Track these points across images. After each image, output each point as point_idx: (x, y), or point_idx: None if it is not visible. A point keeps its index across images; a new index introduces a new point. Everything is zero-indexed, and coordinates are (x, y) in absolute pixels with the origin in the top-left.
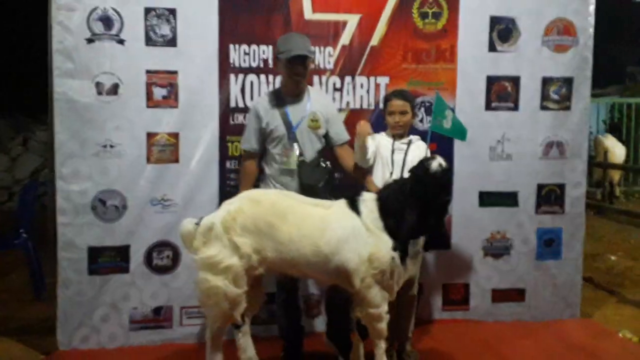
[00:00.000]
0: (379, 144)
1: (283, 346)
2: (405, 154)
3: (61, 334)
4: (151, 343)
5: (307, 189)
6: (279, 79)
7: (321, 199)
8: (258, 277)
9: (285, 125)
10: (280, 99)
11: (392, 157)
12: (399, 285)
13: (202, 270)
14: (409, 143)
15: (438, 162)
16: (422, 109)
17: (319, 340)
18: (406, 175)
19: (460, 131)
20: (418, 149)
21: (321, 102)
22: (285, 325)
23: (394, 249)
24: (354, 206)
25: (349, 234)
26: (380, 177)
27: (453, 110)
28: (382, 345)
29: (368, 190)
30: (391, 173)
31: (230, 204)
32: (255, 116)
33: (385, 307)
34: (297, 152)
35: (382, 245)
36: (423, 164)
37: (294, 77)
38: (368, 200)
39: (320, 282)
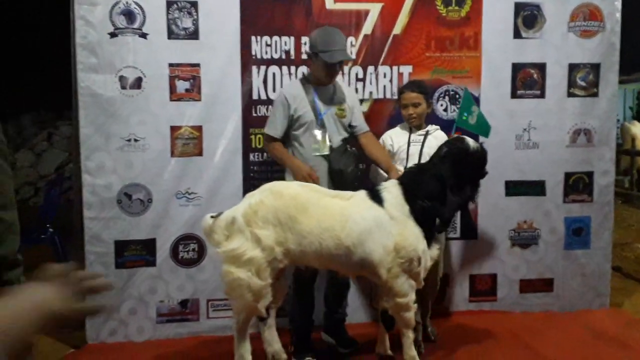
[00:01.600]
0: (392, 141)
1: (292, 338)
2: (422, 145)
3: (89, 327)
4: (178, 336)
5: (337, 174)
6: (300, 70)
7: (350, 183)
8: (282, 269)
9: (314, 112)
10: (308, 86)
11: (408, 150)
12: (426, 271)
13: (226, 263)
14: (426, 134)
15: (472, 140)
16: (447, 98)
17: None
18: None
19: (484, 128)
20: (435, 140)
21: (347, 93)
22: (299, 317)
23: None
24: (375, 196)
25: (372, 225)
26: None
27: (478, 105)
28: (410, 334)
29: (380, 167)
30: (405, 166)
31: (252, 197)
32: (283, 102)
33: (413, 296)
34: (328, 139)
35: (408, 233)
36: (457, 145)
37: (331, 77)
38: (390, 187)
39: (345, 274)
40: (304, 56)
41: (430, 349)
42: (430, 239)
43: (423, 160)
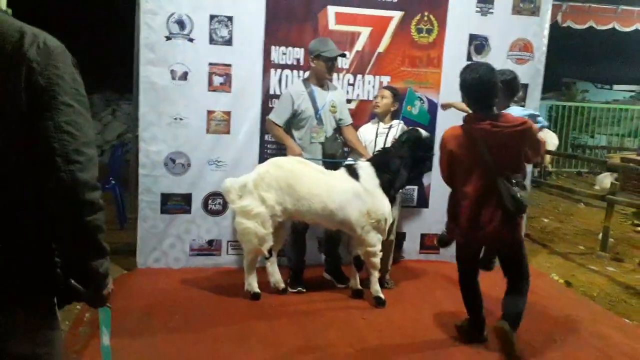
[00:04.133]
0: (362, 133)
1: (289, 273)
2: (386, 136)
3: (139, 256)
4: (205, 266)
5: (329, 156)
6: (307, 73)
7: (335, 163)
8: (281, 222)
9: (314, 108)
10: (309, 87)
11: (376, 140)
12: (388, 226)
13: (238, 216)
14: (390, 127)
15: (424, 131)
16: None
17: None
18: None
19: (424, 117)
20: (397, 130)
21: (337, 93)
22: (294, 258)
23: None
24: (353, 172)
25: (350, 195)
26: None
27: (422, 100)
28: (376, 274)
29: (359, 156)
30: (373, 152)
31: (260, 167)
32: (289, 100)
33: (379, 246)
34: (324, 130)
35: (378, 201)
36: (413, 134)
37: (331, 71)
38: (365, 167)
39: (329, 228)
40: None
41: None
42: (392, 203)
43: None
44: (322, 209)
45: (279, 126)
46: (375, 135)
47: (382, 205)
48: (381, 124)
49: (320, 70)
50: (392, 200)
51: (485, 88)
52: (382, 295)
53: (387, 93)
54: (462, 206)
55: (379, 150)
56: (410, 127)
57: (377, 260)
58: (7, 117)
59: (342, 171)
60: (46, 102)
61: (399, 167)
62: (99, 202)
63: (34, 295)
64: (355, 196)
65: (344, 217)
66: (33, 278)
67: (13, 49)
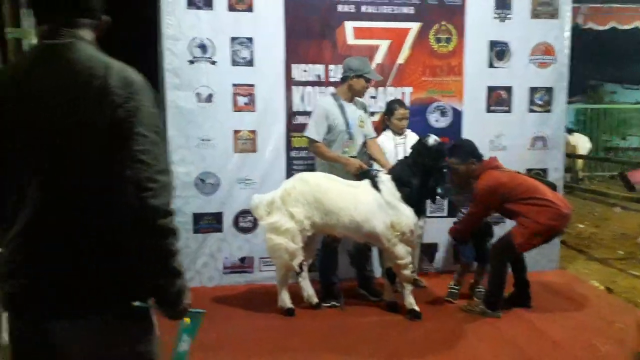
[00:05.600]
0: (383, 143)
1: (321, 287)
2: (404, 145)
3: None
4: (238, 283)
5: None
6: (328, 89)
7: (365, 174)
8: (310, 237)
9: (345, 123)
10: (339, 101)
11: (395, 149)
12: (415, 237)
13: (268, 232)
14: (405, 136)
15: (433, 138)
16: (437, 112)
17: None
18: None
19: None
20: (412, 139)
21: (363, 108)
22: (326, 272)
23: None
24: (375, 185)
25: (375, 207)
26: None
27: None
28: (409, 287)
29: (379, 165)
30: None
31: (287, 183)
32: (325, 113)
33: (409, 258)
34: (355, 143)
35: (401, 214)
36: (421, 141)
37: (365, 90)
38: (386, 181)
39: (357, 240)
40: (332, 79)
41: (425, 294)
42: (419, 214)
43: None
44: (349, 221)
45: (318, 142)
46: (395, 145)
47: (405, 217)
48: (395, 134)
49: (358, 90)
50: (420, 212)
51: None
52: (417, 308)
53: (407, 112)
54: (549, 200)
55: (396, 163)
56: (422, 135)
57: (408, 272)
58: (97, 147)
59: (365, 183)
60: (124, 132)
61: (412, 177)
62: (171, 227)
63: (124, 296)
64: (379, 208)
65: (370, 229)
66: (122, 280)
67: (100, 83)
